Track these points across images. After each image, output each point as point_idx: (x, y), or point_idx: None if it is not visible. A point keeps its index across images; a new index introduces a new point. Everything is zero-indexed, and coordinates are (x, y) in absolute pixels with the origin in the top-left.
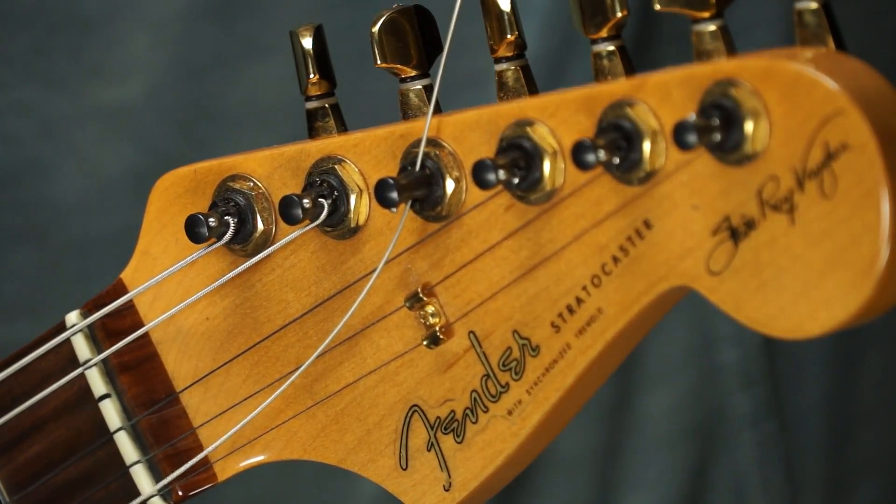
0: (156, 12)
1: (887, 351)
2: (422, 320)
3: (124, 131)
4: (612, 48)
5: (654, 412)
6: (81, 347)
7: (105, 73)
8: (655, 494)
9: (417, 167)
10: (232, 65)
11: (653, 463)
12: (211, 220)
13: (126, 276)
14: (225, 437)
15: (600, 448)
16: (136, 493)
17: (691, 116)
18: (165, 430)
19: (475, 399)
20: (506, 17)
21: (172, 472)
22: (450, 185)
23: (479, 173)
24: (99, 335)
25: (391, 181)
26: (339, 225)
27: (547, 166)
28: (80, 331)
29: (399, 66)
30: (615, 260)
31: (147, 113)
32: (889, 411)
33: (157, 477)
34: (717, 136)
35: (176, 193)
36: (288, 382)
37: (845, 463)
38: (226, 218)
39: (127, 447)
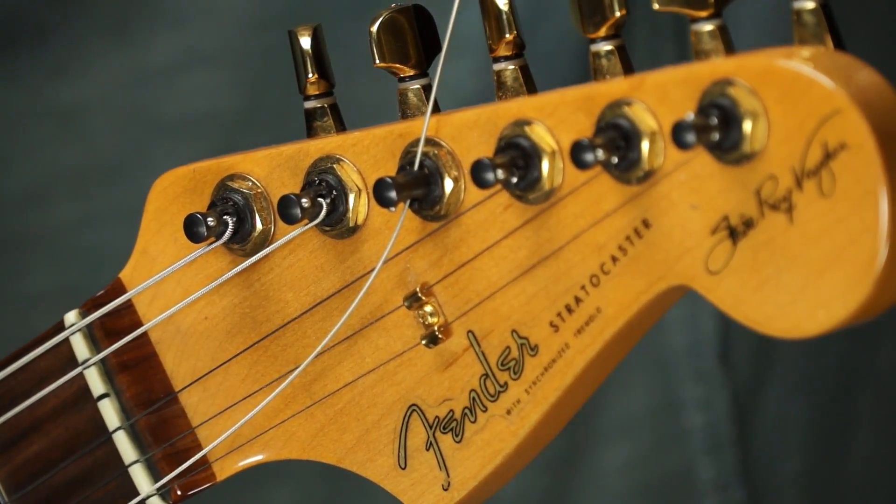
0: (112, 17)
1: (879, 429)
2: (420, 320)
3: (73, 131)
4: (610, 48)
5: (608, 467)
6: (80, 347)
7: (63, 73)
8: None
9: (416, 167)
10: (174, 72)
11: None
12: (209, 219)
13: (125, 275)
14: (223, 436)
15: (546, 498)
16: (135, 493)
17: (690, 116)
18: (164, 430)
19: (474, 398)
20: (504, 17)
21: (171, 471)
22: (448, 185)
23: (478, 173)
24: (98, 334)
25: (390, 180)
26: (337, 224)
27: (545, 166)
28: (79, 330)
29: (397, 65)
30: (614, 259)
31: (95, 114)
32: (879, 491)
33: (155, 476)
34: (716, 136)
35: (174, 193)
36: (287, 382)
37: None
38: (224, 217)
39: (125, 447)
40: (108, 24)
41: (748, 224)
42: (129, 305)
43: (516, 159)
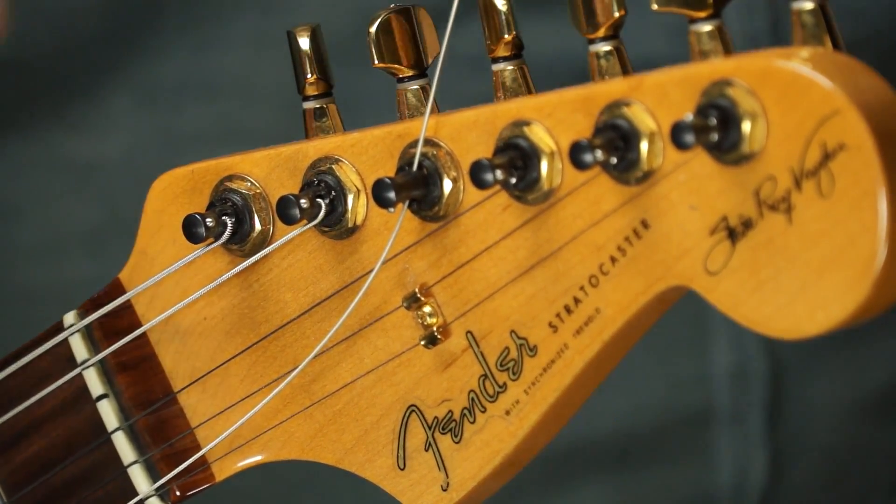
0: (144, 81)
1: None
2: (419, 320)
3: (92, 188)
4: (609, 48)
5: None
6: (79, 347)
7: (83, 129)
8: None
9: (415, 167)
10: (209, 143)
11: None
12: (208, 220)
13: (124, 275)
14: (221, 436)
15: None
16: (134, 493)
17: (688, 116)
18: (163, 430)
19: (473, 399)
20: (503, 17)
21: (170, 472)
22: (447, 185)
23: (477, 173)
24: (97, 335)
25: (388, 181)
26: (336, 225)
27: (544, 166)
28: (78, 331)
29: (396, 66)
30: (613, 260)
31: (116, 173)
32: None
33: (154, 477)
34: (715, 136)
35: (174, 193)
36: (285, 382)
37: None
38: (223, 218)
39: (124, 447)
40: (138, 87)
41: (747, 225)
42: (128, 306)
43: (515, 160)
